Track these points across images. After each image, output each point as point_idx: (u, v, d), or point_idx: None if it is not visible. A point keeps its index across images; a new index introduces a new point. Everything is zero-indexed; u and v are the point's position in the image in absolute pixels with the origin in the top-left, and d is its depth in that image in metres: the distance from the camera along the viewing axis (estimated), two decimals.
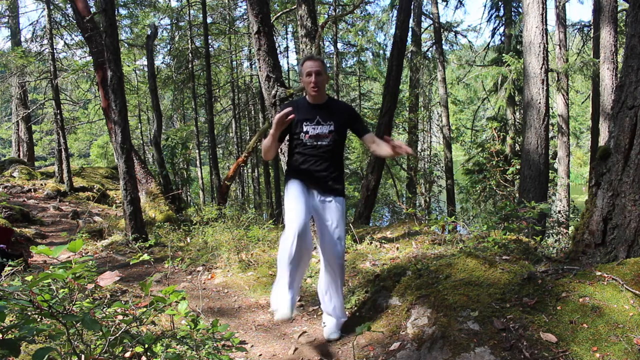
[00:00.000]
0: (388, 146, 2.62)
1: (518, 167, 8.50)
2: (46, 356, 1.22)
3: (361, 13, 16.70)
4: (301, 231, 2.48)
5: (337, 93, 17.03)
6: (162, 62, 19.27)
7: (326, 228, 2.74)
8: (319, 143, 2.74)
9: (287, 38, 19.65)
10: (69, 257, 4.40)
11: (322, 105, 2.79)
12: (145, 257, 2.29)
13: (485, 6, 14.55)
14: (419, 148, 17.50)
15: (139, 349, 1.71)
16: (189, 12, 15.35)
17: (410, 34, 12.53)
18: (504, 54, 12.20)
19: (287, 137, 2.84)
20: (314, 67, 2.69)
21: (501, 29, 14.60)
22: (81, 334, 1.55)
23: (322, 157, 2.74)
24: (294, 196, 2.66)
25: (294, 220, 2.51)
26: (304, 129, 2.73)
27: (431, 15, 15.94)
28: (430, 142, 19.64)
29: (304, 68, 2.73)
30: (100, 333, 1.56)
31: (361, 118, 2.89)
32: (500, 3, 14.10)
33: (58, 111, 11.07)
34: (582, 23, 13.63)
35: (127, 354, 1.84)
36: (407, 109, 16.69)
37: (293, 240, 2.47)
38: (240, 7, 17.77)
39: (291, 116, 2.58)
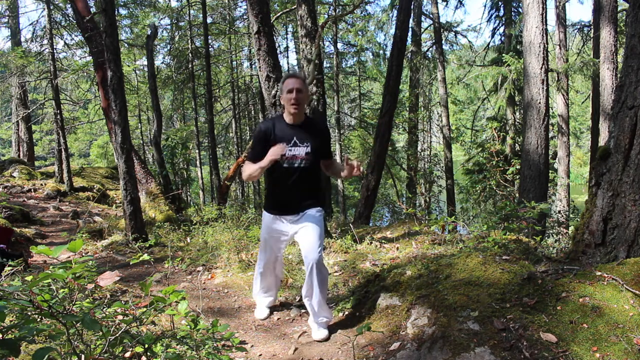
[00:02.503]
0: (345, 166, 2.76)
1: (518, 167, 8.51)
2: (46, 356, 1.22)
3: (361, 13, 16.70)
4: (270, 268, 3.14)
5: (337, 93, 17.03)
6: (162, 62, 19.28)
7: (304, 240, 2.85)
8: (295, 165, 2.78)
9: (287, 38, 19.66)
10: (69, 257, 4.40)
11: (300, 125, 2.81)
12: (145, 257, 2.29)
13: (485, 6, 14.56)
14: (419, 148, 17.49)
15: (139, 349, 1.71)
16: (189, 12, 15.35)
17: (410, 34, 12.53)
18: (504, 54, 12.20)
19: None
20: (295, 84, 2.71)
21: (501, 29, 14.60)
22: (81, 334, 1.55)
23: (296, 179, 2.81)
24: (264, 233, 3.01)
25: (262, 259, 3.10)
26: None
27: (431, 15, 15.94)
28: (430, 142, 19.64)
29: (285, 85, 2.75)
30: (100, 333, 1.56)
31: (329, 141, 3.04)
32: (500, 3, 14.10)
33: (58, 111, 11.07)
34: (582, 23, 13.64)
35: (127, 354, 1.84)
36: (407, 109, 16.69)
37: (264, 276, 3.17)
38: (240, 7, 17.78)
39: (283, 151, 2.71)
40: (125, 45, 15.60)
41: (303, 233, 2.86)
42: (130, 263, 3.41)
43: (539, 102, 6.95)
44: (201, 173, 17.10)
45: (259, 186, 20.33)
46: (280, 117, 2.87)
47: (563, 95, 11.95)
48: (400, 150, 18.34)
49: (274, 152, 2.66)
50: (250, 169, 2.78)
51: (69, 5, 10.05)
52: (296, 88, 2.70)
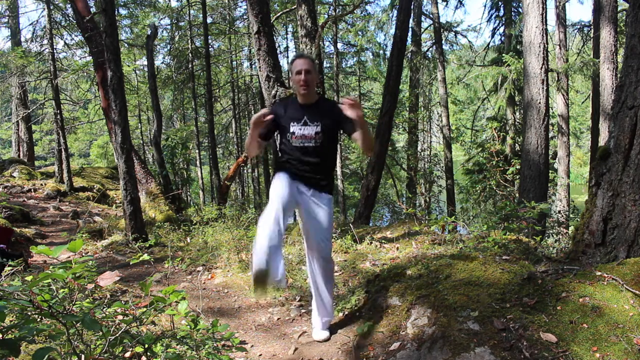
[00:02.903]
0: (345, 108, 2.56)
1: (518, 167, 8.51)
2: (46, 356, 1.22)
3: (361, 13, 16.70)
4: (283, 209, 2.48)
5: (337, 93, 17.03)
6: (162, 62, 19.29)
7: (313, 228, 2.73)
8: (305, 144, 2.73)
9: (287, 38, 19.65)
10: (69, 257, 4.40)
11: (311, 105, 2.77)
12: (145, 257, 2.29)
13: (485, 6, 14.56)
14: (419, 148, 17.50)
15: (139, 349, 1.71)
16: (189, 12, 15.35)
17: (410, 34, 12.53)
18: (504, 54, 12.20)
19: (277, 137, 2.85)
20: (304, 65, 2.68)
21: (501, 29, 14.60)
22: (81, 334, 1.55)
23: (308, 158, 2.74)
24: (278, 183, 2.64)
25: (275, 201, 2.51)
26: (291, 130, 2.73)
27: (431, 15, 15.94)
28: (430, 142, 19.64)
29: (294, 66, 2.73)
30: (100, 333, 1.56)
31: (347, 117, 2.66)
32: (500, 3, 14.10)
33: (58, 111, 11.07)
34: (582, 23, 13.63)
35: (127, 354, 1.84)
36: (407, 109, 16.69)
37: (273, 217, 2.44)
38: (240, 7, 17.78)
39: (269, 117, 2.62)
40: (125, 45, 15.60)
41: (313, 218, 2.72)
42: (130, 263, 3.41)
43: (539, 102, 6.95)
44: (201, 173, 17.10)
45: (259, 186, 20.34)
46: (295, 98, 2.86)
47: (563, 95, 11.95)
48: (400, 150, 18.34)
49: (254, 117, 2.61)
50: (246, 140, 2.78)
51: (69, 5, 10.05)
52: (305, 69, 2.67)
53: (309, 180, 2.77)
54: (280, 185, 2.63)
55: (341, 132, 2.83)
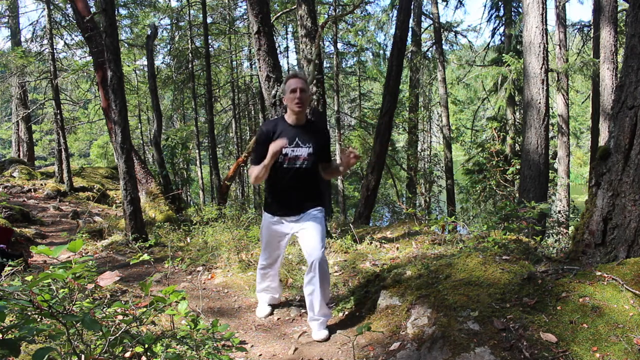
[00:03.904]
0: (342, 156, 2.84)
1: (518, 167, 8.51)
2: (46, 356, 1.22)
3: (361, 13, 16.69)
4: (272, 266, 3.13)
5: (337, 93, 17.03)
6: (162, 62, 19.28)
7: (306, 239, 2.85)
8: (296, 166, 2.79)
9: (287, 38, 19.65)
10: (69, 257, 4.40)
11: (302, 126, 2.81)
12: (145, 257, 2.29)
13: (485, 6, 14.56)
14: (419, 148, 17.49)
15: (139, 349, 1.71)
16: (189, 12, 15.34)
17: (410, 34, 12.53)
18: (504, 54, 12.20)
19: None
20: (298, 84, 2.73)
21: (501, 29, 14.60)
22: (81, 334, 1.55)
23: (298, 179, 2.81)
24: (265, 234, 3.02)
25: (264, 260, 3.10)
26: (283, 151, 2.75)
27: (431, 15, 15.94)
28: (430, 142, 19.64)
29: (288, 85, 2.76)
30: (100, 333, 1.56)
31: (330, 145, 3.02)
32: (500, 3, 14.10)
33: (58, 111, 11.07)
34: (582, 23, 13.63)
35: (127, 354, 1.84)
36: (407, 109, 16.70)
37: (265, 274, 3.17)
38: (240, 7, 17.78)
39: (285, 143, 2.70)
40: (125, 45, 15.60)
41: (305, 233, 2.86)
42: (130, 263, 3.41)
43: (539, 102, 6.95)
44: (201, 173, 17.10)
45: (259, 186, 20.32)
46: (282, 119, 2.88)
47: (563, 95, 11.95)
48: (400, 150, 18.34)
49: (275, 146, 2.66)
50: (255, 171, 2.80)
51: (69, 5, 10.06)
52: (299, 88, 2.71)
53: (295, 206, 2.88)
54: (268, 238, 3.02)
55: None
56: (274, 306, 3.39)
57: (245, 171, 20.53)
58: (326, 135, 2.97)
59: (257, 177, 2.80)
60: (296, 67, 19.47)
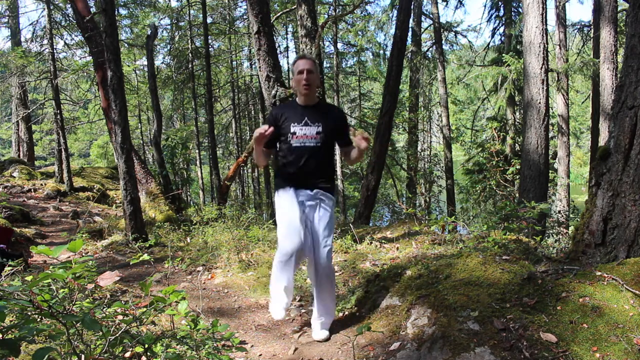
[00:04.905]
0: (356, 139, 2.69)
1: (518, 167, 8.51)
2: (46, 356, 1.22)
3: (361, 13, 16.70)
4: (296, 256, 2.67)
5: (337, 93, 17.03)
6: (162, 62, 19.29)
7: (315, 233, 2.77)
8: (306, 144, 2.75)
9: (287, 38, 19.65)
10: (69, 257, 4.40)
11: (312, 106, 2.80)
12: (145, 257, 2.29)
13: (485, 6, 14.56)
14: (419, 148, 17.49)
15: (139, 349, 1.71)
16: (189, 12, 15.35)
17: (410, 34, 12.53)
18: (504, 54, 12.20)
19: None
20: (306, 65, 2.71)
21: (501, 29, 14.61)
22: (81, 334, 1.55)
23: (308, 158, 2.76)
24: (285, 211, 2.73)
25: (288, 245, 2.66)
26: (292, 130, 2.74)
27: (431, 15, 15.94)
28: (430, 142, 19.64)
29: (296, 66, 2.75)
30: (100, 333, 1.56)
31: (346, 126, 2.90)
32: (500, 3, 14.11)
33: (58, 111, 11.07)
34: (582, 23, 13.64)
35: (127, 354, 1.84)
36: (407, 109, 16.70)
37: (288, 265, 2.71)
38: (240, 7, 17.79)
39: (269, 131, 2.64)
40: (125, 45, 15.60)
41: (314, 224, 2.77)
42: (130, 263, 3.41)
43: (539, 102, 6.95)
44: (201, 173, 17.11)
45: (259, 186, 20.34)
46: (294, 101, 2.88)
47: (563, 95, 11.95)
48: (400, 150, 18.34)
49: (256, 132, 2.66)
50: (254, 154, 2.83)
51: (69, 5, 10.06)
52: (307, 69, 2.70)
53: (309, 182, 2.79)
54: (287, 215, 2.70)
55: (336, 140, 2.89)
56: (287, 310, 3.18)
57: (245, 171, 20.53)
58: (339, 116, 2.88)
59: (256, 161, 2.84)
60: None
